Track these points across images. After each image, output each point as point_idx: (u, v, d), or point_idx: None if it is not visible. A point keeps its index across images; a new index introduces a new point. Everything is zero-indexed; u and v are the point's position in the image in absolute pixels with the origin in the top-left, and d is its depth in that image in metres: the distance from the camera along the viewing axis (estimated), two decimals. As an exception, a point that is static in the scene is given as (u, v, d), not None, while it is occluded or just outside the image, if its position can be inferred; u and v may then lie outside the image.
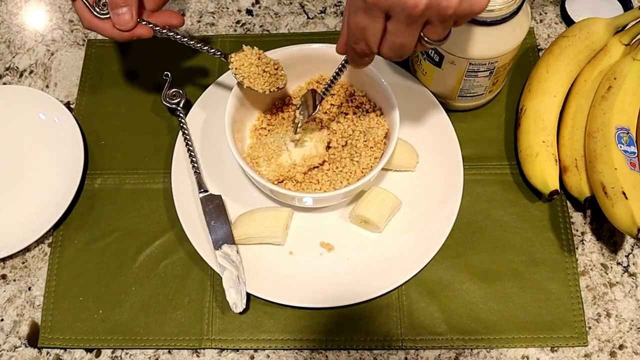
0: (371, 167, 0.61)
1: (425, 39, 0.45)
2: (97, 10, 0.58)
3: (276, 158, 0.61)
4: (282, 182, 0.63)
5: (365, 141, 0.63)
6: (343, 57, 0.53)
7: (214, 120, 0.69)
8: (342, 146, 0.64)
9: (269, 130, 0.67)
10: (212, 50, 0.62)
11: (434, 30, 0.45)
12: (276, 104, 0.68)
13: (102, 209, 0.68)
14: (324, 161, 0.64)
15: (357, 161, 0.62)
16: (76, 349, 0.62)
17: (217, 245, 0.62)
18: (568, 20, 0.75)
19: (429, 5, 0.41)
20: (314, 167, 0.63)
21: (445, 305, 0.62)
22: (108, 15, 0.58)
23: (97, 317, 0.63)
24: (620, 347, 0.60)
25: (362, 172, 0.61)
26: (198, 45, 0.62)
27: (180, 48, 0.76)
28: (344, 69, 0.55)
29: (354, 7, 0.44)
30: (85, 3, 0.57)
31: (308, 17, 0.79)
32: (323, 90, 0.59)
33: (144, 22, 0.59)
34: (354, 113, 0.65)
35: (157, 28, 0.60)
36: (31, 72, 0.77)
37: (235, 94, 0.62)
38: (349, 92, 0.66)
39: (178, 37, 0.61)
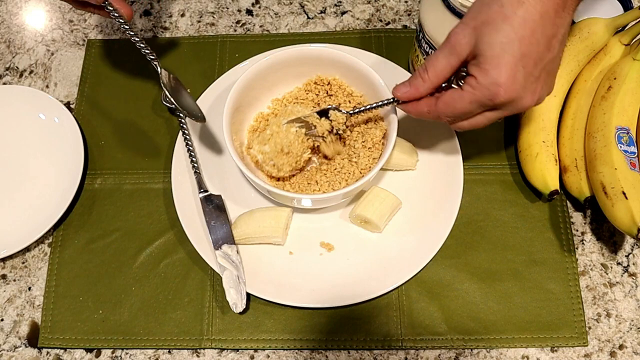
0: (370, 167, 0.61)
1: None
2: None
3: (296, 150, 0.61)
4: (279, 180, 0.63)
5: (363, 142, 0.63)
6: (388, 94, 0.58)
7: (214, 120, 0.69)
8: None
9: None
10: (148, 52, 0.60)
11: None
12: (272, 105, 0.68)
13: (102, 209, 0.68)
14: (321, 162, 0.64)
15: (356, 162, 0.62)
16: (76, 349, 0.62)
17: (217, 245, 0.62)
18: (568, 20, 0.75)
19: (532, 106, 0.50)
20: (313, 165, 0.64)
21: (445, 305, 0.62)
22: None
23: (97, 317, 0.63)
24: (620, 347, 0.60)
25: (360, 172, 0.61)
26: (139, 43, 0.60)
27: (180, 48, 0.76)
28: (385, 106, 0.58)
29: (473, 99, 0.49)
30: None
31: (308, 17, 0.79)
32: (350, 111, 0.60)
33: None
34: None
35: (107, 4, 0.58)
36: (31, 72, 0.77)
37: (233, 96, 0.62)
38: (347, 92, 0.66)
39: (123, 24, 0.59)
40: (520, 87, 0.47)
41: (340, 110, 0.60)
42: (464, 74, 0.50)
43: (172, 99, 0.60)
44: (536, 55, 0.47)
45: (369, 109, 0.59)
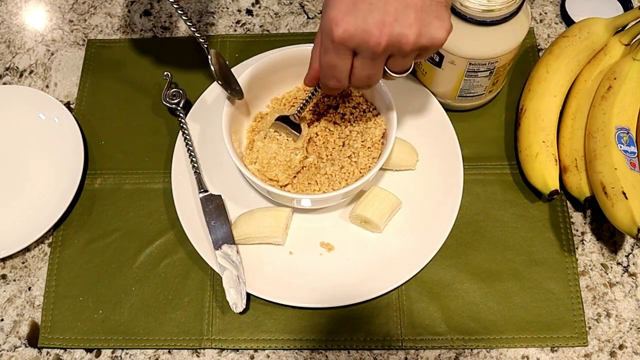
0: (369, 167, 0.61)
1: (390, 71, 0.50)
2: None
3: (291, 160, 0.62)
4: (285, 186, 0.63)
5: (362, 141, 0.63)
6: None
7: (214, 120, 0.69)
8: (340, 147, 0.64)
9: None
10: (199, 35, 0.61)
11: (396, 63, 0.49)
12: (271, 104, 0.68)
13: (102, 209, 0.68)
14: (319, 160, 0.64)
15: (355, 161, 0.62)
16: (76, 349, 0.62)
17: (217, 245, 0.62)
18: (568, 20, 0.75)
19: (389, 42, 0.45)
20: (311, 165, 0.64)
21: (445, 305, 0.62)
22: None
23: (97, 317, 0.63)
24: (620, 347, 0.60)
25: (360, 172, 0.61)
26: (189, 23, 0.60)
27: (180, 48, 0.76)
28: (317, 93, 0.58)
29: (324, 48, 0.48)
30: None
31: (308, 17, 0.79)
32: (295, 112, 0.61)
33: None
34: (351, 113, 0.65)
35: None
36: (31, 72, 0.77)
37: (231, 98, 0.62)
38: (345, 93, 0.66)
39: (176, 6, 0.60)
40: (356, 19, 0.45)
41: (291, 116, 0.61)
42: None
43: (219, 78, 0.61)
44: None
45: (307, 102, 0.60)
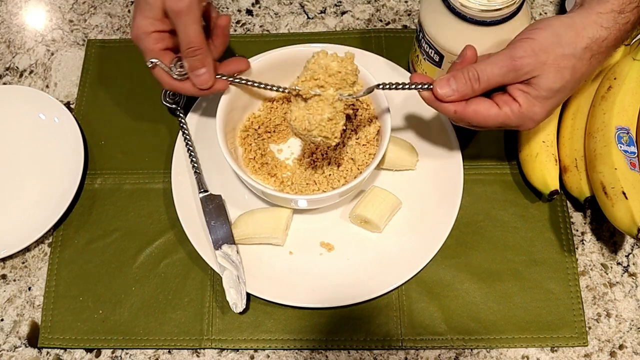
0: (367, 163, 0.61)
1: None
2: (176, 71, 0.58)
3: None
4: (276, 179, 0.63)
5: (357, 139, 0.63)
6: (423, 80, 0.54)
7: (214, 120, 0.68)
8: (336, 145, 0.64)
9: (259, 133, 0.67)
10: (287, 90, 0.59)
11: None
12: (261, 107, 0.68)
13: (102, 209, 0.68)
14: (315, 160, 0.64)
15: (352, 159, 0.62)
16: (76, 349, 0.62)
17: (217, 245, 0.62)
18: (568, 20, 0.75)
19: None
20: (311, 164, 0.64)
21: (445, 305, 0.62)
22: (186, 76, 0.59)
23: (97, 317, 0.63)
24: (620, 347, 0.60)
25: (358, 169, 0.61)
26: (275, 88, 0.60)
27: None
28: (416, 89, 0.54)
29: (506, 122, 0.52)
30: (163, 68, 0.58)
31: (308, 17, 0.79)
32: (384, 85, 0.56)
33: (218, 76, 0.60)
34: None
35: (231, 79, 0.60)
36: (31, 72, 0.77)
37: (226, 98, 0.61)
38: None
39: (250, 82, 0.61)
40: (543, 119, 0.53)
41: (379, 86, 0.56)
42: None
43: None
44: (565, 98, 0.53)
45: (401, 88, 0.55)
